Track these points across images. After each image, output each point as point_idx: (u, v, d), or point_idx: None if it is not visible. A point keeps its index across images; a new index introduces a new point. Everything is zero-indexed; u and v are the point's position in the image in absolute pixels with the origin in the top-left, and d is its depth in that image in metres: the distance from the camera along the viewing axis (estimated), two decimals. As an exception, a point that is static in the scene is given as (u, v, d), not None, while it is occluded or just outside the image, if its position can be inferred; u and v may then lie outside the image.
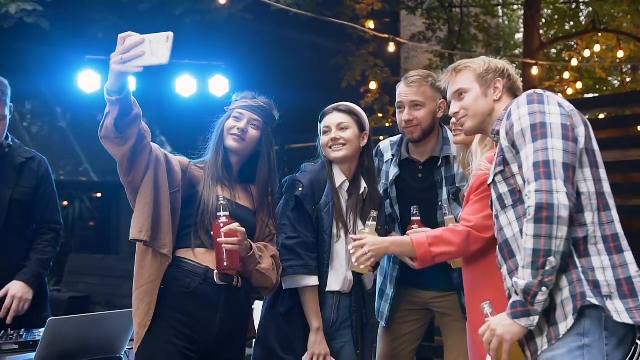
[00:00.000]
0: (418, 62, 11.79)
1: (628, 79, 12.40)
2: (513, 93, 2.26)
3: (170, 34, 2.06)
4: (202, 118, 2.64)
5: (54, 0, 7.45)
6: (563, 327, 1.87)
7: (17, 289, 3.00)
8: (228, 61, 7.02)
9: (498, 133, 2.11)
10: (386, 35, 7.06)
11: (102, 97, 2.18)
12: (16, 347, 2.66)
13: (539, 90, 2.06)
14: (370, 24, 8.96)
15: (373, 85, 9.49)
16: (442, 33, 10.98)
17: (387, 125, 8.81)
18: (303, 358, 2.61)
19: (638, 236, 6.52)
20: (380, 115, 9.77)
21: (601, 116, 9.67)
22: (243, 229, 2.36)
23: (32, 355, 2.52)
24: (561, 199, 1.83)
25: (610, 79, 12.68)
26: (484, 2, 11.13)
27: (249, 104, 2.60)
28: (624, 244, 1.93)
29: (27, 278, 3.03)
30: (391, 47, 7.08)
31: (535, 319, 1.88)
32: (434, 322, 3.81)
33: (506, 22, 15.01)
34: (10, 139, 3.14)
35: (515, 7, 13.54)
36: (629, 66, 12.01)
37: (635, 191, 6.88)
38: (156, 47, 2.07)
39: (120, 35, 2.12)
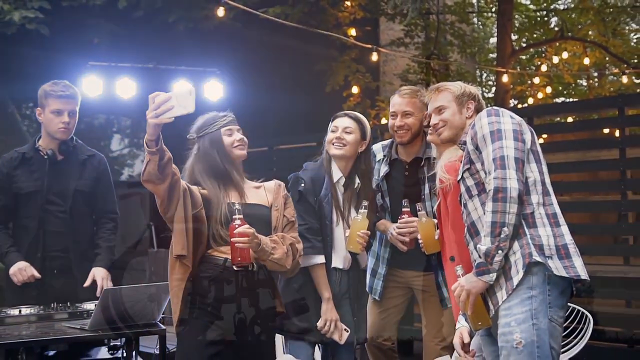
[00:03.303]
0: (396, 65, 12.15)
1: (596, 84, 13.02)
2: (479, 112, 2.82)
3: (193, 89, 2.51)
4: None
5: (54, 8, 7.79)
6: (516, 280, 2.44)
7: (103, 275, 3.49)
8: (221, 67, 7.32)
9: (465, 143, 2.68)
10: (369, 45, 7.53)
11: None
12: (66, 316, 3.13)
13: (495, 107, 2.65)
14: (352, 32, 9.46)
15: (355, 90, 9.94)
16: (420, 39, 11.45)
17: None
18: (317, 324, 3.12)
19: (604, 229, 7.09)
20: (361, 118, 10.19)
21: (569, 119, 10.25)
22: (252, 230, 2.76)
23: (80, 322, 2.98)
24: (512, 184, 2.41)
25: (578, 82, 13.28)
26: (459, 10, 11.63)
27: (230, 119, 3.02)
28: (561, 220, 2.52)
29: (105, 264, 3.53)
30: (374, 57, 7.55)
31: (493, 276, 2.46)
32: (413, 309, 4.32)
33: (480, 27, 15.52)
34: (74, 139, 3.59)
35: (489, 14, 14.08)
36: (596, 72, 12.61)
37: (601, 188, 7.44)
38: (183, 100, 2.50)
39: (150, 96, 2.54)
